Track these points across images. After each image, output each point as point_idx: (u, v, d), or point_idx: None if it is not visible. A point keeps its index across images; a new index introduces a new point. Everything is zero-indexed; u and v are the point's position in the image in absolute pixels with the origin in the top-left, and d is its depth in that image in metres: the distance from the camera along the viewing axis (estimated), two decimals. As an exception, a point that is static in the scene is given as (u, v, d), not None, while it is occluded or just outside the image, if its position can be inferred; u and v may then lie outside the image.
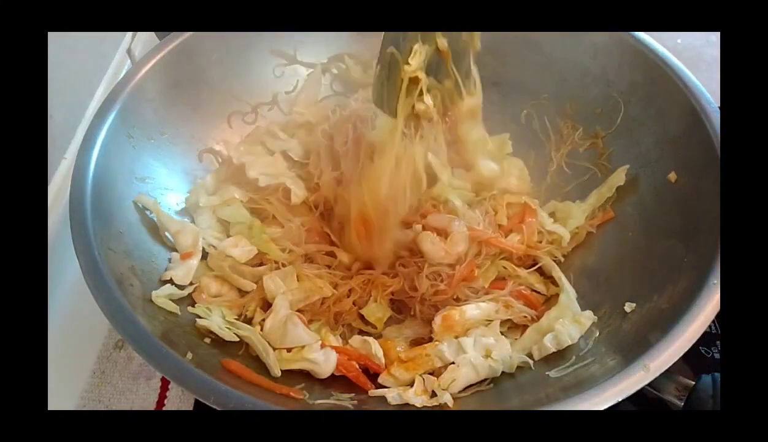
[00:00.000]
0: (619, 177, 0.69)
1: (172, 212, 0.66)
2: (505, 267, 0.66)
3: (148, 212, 0.63)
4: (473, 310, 0.61)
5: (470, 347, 0.57)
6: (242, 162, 0.70)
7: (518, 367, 0.57)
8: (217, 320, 0.57)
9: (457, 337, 0.59)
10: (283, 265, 0.64)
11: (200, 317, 0.57)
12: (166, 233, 0.63)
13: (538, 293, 0.65)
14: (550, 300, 0.65)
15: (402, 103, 0.54)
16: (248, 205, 0.69)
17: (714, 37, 1.01)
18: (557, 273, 0.65)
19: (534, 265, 0.67)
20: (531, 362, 0.57)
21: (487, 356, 0.56)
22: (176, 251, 0.63)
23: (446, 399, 0.53)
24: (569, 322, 0.58)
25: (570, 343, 0.56)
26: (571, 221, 0.68)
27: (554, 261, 0.66)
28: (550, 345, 0.57)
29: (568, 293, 0.62)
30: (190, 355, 0.49)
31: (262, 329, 0.58)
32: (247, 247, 0.64)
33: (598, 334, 0.57)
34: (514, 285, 0.64)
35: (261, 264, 0.65)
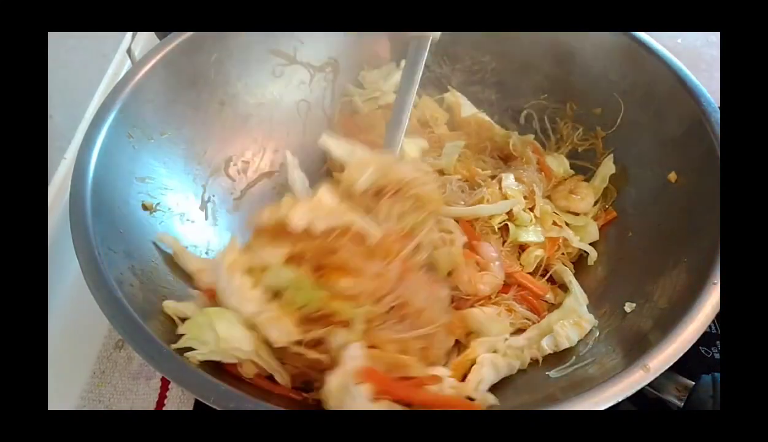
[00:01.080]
0: (608, 166, 0.69)
1: (173, 214, 0.66)
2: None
3: (164, 247, 0.61)
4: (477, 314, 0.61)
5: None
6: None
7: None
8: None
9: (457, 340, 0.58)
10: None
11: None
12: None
13: (546, 301, 0.65)
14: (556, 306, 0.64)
15: None
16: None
17: (714, 37, 1.01)
18: (569, 278, 0.64)
19: (546, 272, 0.66)
20: (540, 357, 0.56)
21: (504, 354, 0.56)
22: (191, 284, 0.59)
23: (490, 400, 0.51)
24: (570, 325, 0.58)
25: (568, 346, 0.56)
26: (586, 237, 0.68)
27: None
28: (546, 347, 0.57)
29: (578, 297, 0.61)
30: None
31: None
32: (286, 328, 0.50)
33: (598, 334, 0.57)
34: (518, 290, 0.64)
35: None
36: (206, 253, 0.67)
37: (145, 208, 0.63)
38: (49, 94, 0.67)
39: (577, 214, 0.70)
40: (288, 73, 0.79)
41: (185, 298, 0.58)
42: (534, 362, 0.57)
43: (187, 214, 0.68)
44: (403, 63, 0.78)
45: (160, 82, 0.67)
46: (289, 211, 0.55)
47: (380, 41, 0.83)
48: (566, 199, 0.70)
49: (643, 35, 0.68)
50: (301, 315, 0.51)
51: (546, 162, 0.73)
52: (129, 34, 0.91)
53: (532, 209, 0.68)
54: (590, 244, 0.67)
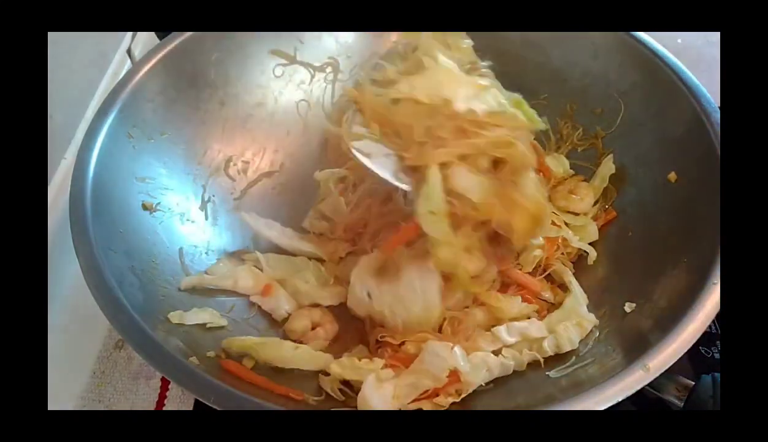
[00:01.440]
0: (608, 166, 0.69)
1: (173, 214, 0.66)
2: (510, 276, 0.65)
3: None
4: (477, 314, 0.61)
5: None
6: None
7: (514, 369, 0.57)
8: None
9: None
10: None
11: None
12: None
13: (545, 300, 0.65)
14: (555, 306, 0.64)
15: None
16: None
17: (714, 37, 1.01)
18: (569, 278, 0.64)
19: (544, 271, 0.66)
20: (542, 359, 0.56)
21: (498, 353, 0.56)
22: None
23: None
24: (572, 325, 0.58)
25: (570, 348, 0.56)
26: (586, 236, 0.68)
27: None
28: (548, 348, 0.56)
29: (578, 297, 0.61)
30: (190, 355, 0.49)
31: None
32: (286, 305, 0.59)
33: (598, 334, 0.57)
34: (517, 290, 0.64)
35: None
36: (206, 253, 0.67)
37: (145, 208, 0.63)
38: (49, 94, 0.67)
39: (576, 214, 0.70)
40: (288, 73, 0.79)
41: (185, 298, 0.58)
42: (534, 363, 0.57)
43: (187, 214, 0.68)
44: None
45: (160, 82, 0.67)
46: (446, 90, 0.42)
47: (380, 41, 0.83)
48: (566, 200, 0.70)
49: (643, 35, 0.68)
50: None
51: (546, 162, 0.73)
52: (129, 34, 0.91)
53: None
54: (590, 244, 0.67)
